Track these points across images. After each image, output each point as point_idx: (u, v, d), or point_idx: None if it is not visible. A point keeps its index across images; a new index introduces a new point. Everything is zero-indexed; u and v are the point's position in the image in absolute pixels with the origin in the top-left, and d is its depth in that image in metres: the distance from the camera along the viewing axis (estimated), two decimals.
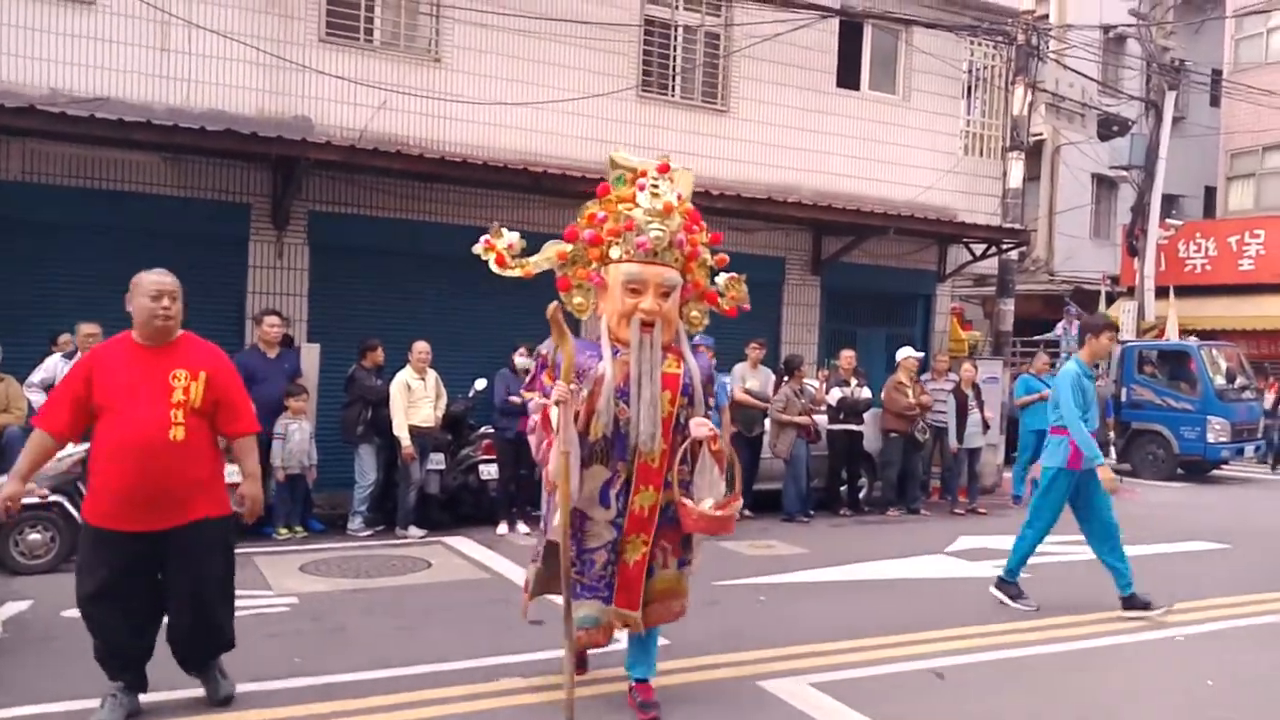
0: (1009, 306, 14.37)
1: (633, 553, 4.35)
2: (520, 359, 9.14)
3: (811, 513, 10.55)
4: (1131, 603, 6.64)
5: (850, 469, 11.19)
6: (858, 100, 13.51)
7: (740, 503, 4.35)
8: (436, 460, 9.12)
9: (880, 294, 14.16)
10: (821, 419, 10.78)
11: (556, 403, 4.02)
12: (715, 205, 11.50)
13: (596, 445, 4.20)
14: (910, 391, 11.13)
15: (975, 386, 11.74)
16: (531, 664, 5.32)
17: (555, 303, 4.16)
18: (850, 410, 10.84)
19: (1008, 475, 13.30)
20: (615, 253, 4.24)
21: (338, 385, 9.31)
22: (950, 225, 13.13)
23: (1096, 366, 7.11)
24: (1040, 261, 21.49)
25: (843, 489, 11.17)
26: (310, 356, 9.39)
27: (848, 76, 13.51)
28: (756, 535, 9.37)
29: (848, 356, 11.16)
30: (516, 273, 4.33)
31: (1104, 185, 22.70)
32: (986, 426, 11.80)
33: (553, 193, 10.72)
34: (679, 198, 4.33)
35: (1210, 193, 23.51)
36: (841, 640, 5.91)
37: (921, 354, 11.84)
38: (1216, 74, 22.22)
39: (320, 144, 9.49)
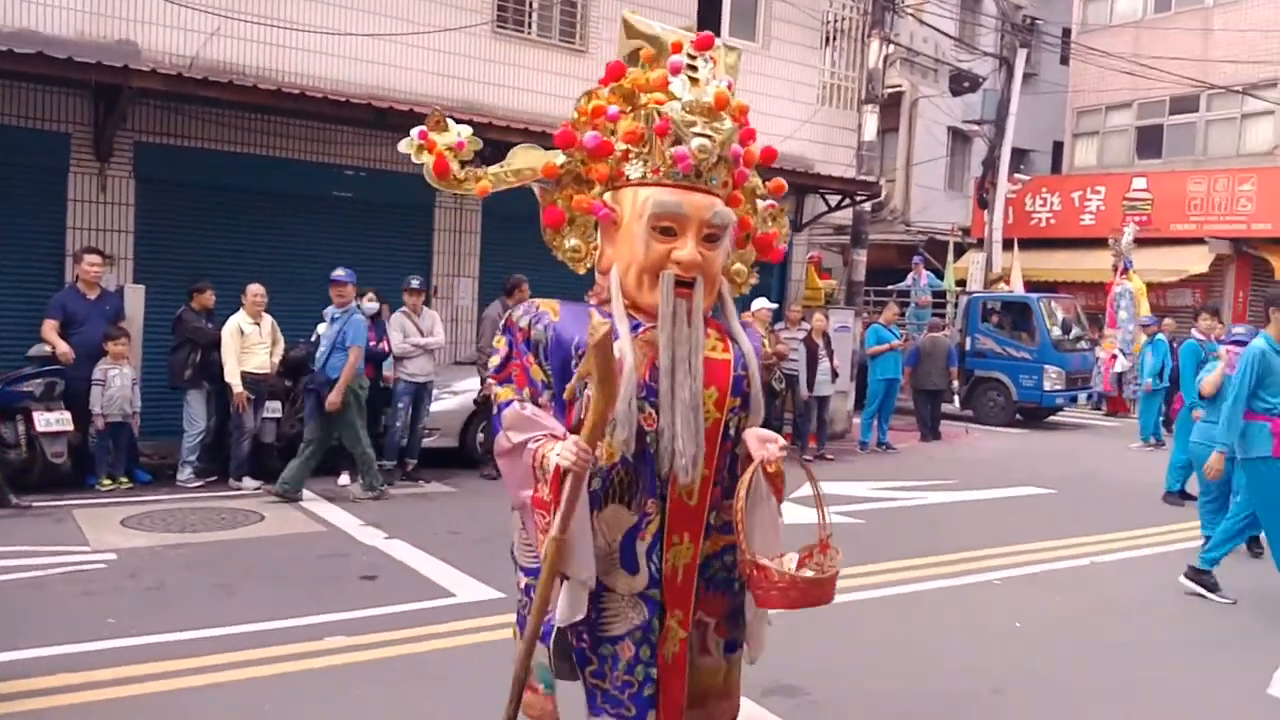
0: (861, 257, 14.67)
1: (671, 642, 2.58)
2: (368, 304, 8.78)
3: None
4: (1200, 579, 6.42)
5: None
6: (718, 46, 13.39)
7: (839, 554, 2.59)
8: (273, 408, 8.74)
9: None
10: None
11: (566, 471, 2.28)
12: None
13: (613, 474, 2.46)
14: (766, 342, 11.21)
15: (826, 336, 11.95)
16: (359, 622, 5.15)
17: (603, 320, 2.27)
18: None
19: (856, 421, 13.67)
20: (634, 170, 2.55)
21: (164, 328, 8.80)
22: (806, 176, 13.25)
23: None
24: (897, 212, 22.02)
25: None
26: (135, 298, 8.83)
27: (709, 23, 13.39)
28: None
29: None
30: (468, 188, 2.64)
31: (959, 139, 23.35)
32: (836, 375, 12.05)
33: (400, 129, 10.20)
34: (729, 87, 2.61)
35: (1058, 149, 24.46)
36: None
37: (775, 304, 11.96)
38: (1066, 34, 23.01)
39: (145, 71, 8.83)
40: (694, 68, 2.57)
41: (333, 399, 7.88)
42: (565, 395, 2.44)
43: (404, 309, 9.10)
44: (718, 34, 14.10)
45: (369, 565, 6.29)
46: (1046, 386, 15.38)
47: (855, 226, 14.66)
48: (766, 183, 2.83)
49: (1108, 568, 7.07)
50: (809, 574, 2.48)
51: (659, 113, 2.49)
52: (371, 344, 8.64)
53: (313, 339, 9.24)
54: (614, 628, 2.52)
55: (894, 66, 15.13)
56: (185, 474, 8.43)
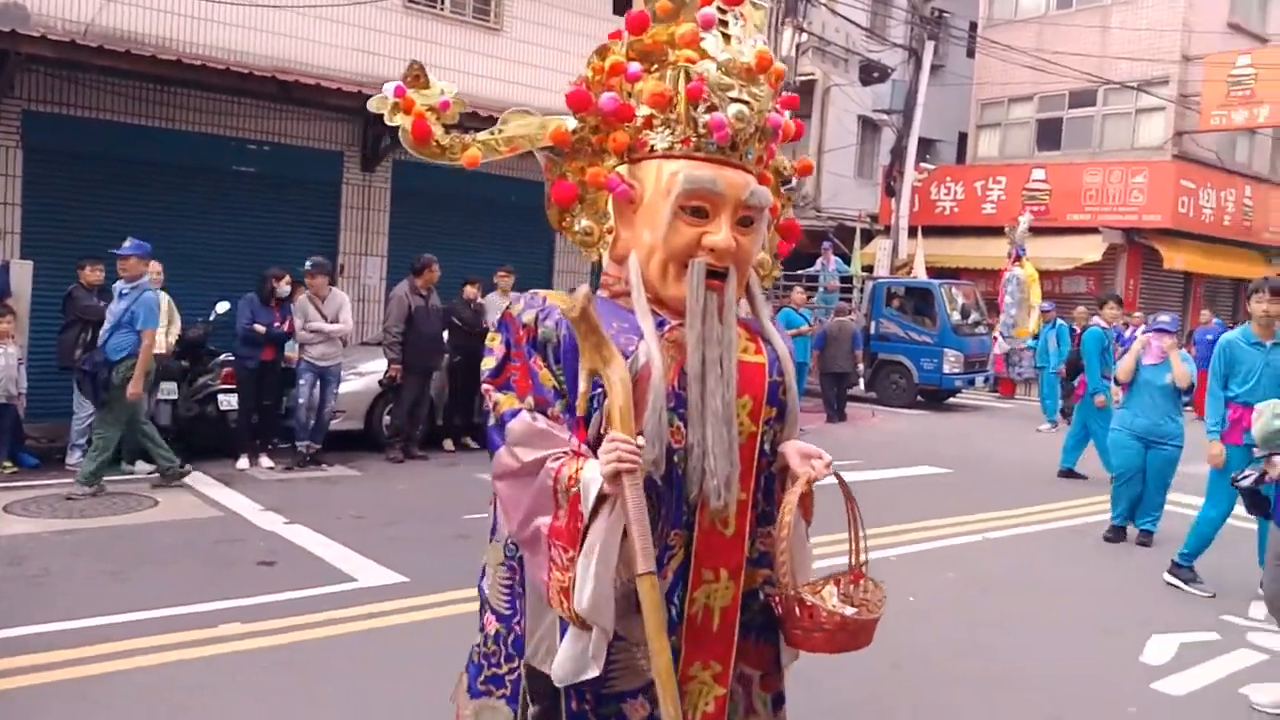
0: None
1: (702, 698, 2.15)
2: (283, 286, 8.54)
3: None
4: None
5: None
6: (747, 1, 13.35)
7: (880, 587, 2.28)
8: (168, 390, 8.48)
9: None
10: None
11: (613, 476, 1.89)
12: (484, 128, 11.18)
13: None
14: None
15: None
16: (256, 608, 5.05)
17: (584, 288, 1.97)
18: None
19: None
20: (659, 140, 2.14)
21: (55, 306, 8.45)
22: None
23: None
24: (809, 198, 22.31)
25: None
26: (21, 274, 8.46)
27: (625, 3, 13.34)
28: None
29: None
30: (454, 158, 2.22)
31: (868, 127, 23.73)
32: None
33: (306, 104, 10.08)
34: (758, 53, 2.19)
35: (963, 139, 25.04)
36: None
37: None
38: (973, 27, 23.54)
39: (34, 37, 8.44)
40: (725, 23, 2.18)
41: (133, 390, 7.18)
42: (579, 411, 2.01)
43: (307, 291, 8.87)
44: None
45: (267, 551, 6.16)
46: (946, 369, 15.81)
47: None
48: (792, 162, 2.46)
49: (1000, 544, 7.33)
50: (851, 612, 2.14)
51: (690, 73, 2.10)
52: (275, 324, 8.45)
53: (210, 318, 9.02)
54: (622, 682, 2.05)
55: (806, 55, 15.29)
56: (75, 458, 8.13)
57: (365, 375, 9.45)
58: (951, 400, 16.89)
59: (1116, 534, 7.43)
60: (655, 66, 2.16)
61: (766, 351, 2.19)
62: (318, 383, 8.72)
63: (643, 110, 2.14)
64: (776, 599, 2.17)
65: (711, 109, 2.08)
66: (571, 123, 2.20)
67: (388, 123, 2.21)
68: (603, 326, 1.95)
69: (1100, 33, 20.98)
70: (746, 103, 2.11)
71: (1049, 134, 22.24)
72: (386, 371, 9.19)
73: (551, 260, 13.22)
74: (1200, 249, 20.53)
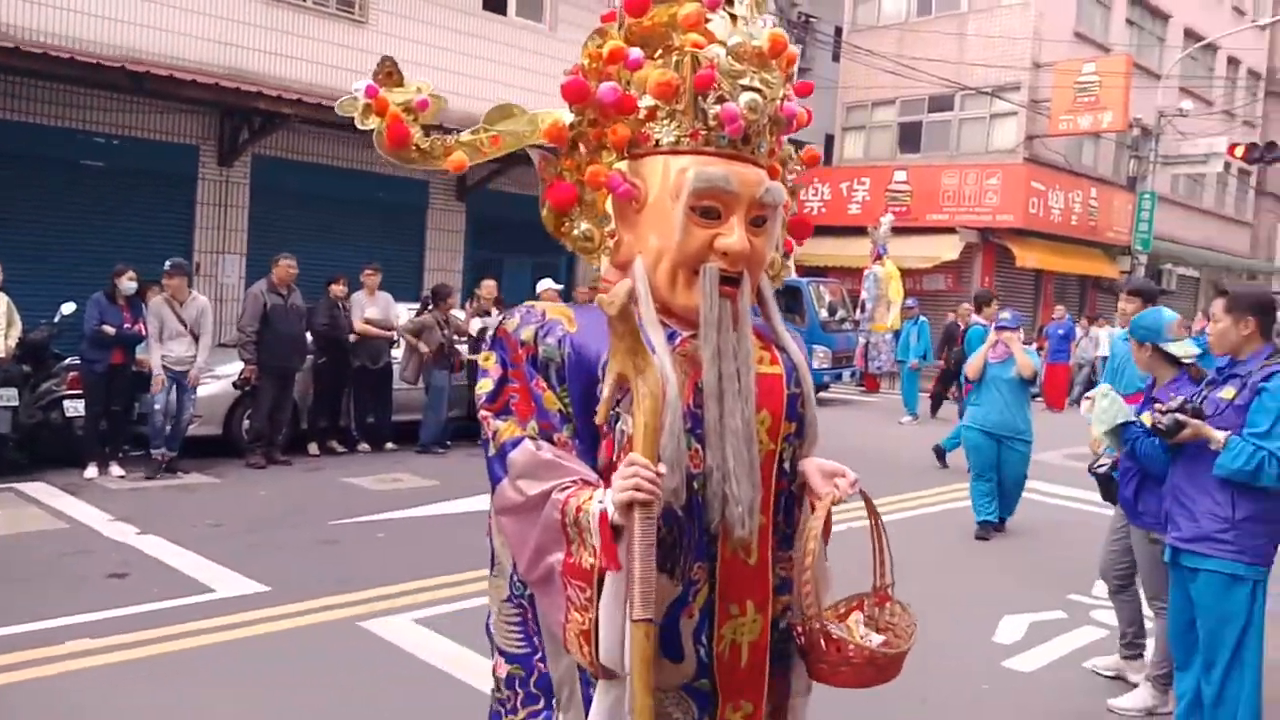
0: None
1: None
2: (127, 283, 8.12)
3: (449, 443, 10.46)
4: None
5: None
6: (504, 25, 13.29)
7: (908, 612, 2.15)
8: (8, 396, 7.98)
9: (526, 223, 13.96)
10: (462, 349, 10.67)
11: (628, 505, 1.67)
12: (349, 122, 10.91)
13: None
14: None
15: None
16: (106, 623, 4.82)
17: (626, 282, 1.78)
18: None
19: None
20: (665, 133, 1.93)
21: None
22: None
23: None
24: None
25: None
26: None
27: (494, 0, 13.24)
28: (386, 468, 9.14)
29: (489, 286, 11.08)
30: (436, 162, 1.98)
31: None
32: None
33: (160, 96, 9.66)
34: (772, 35, 1.99)
35: (830, 141, 25.75)
36: (455, 573, 5.88)
37: (561, 285, 12.01)
38: (839, 32, 24.20)
39: None
40: (730, 2, 1.99)
41: None
42: (598, 420, 1.81)
43: (164, 294, 8.41)
44: (503, 13, 13.91)
45: (118, 563, 5.87)
46: (815, 365, 16.21)
47: None
48: (799, 151, 2.23)
49: (864, 532, 7.52)
50: (876, 643, 2.00)
51: (699, 59, 1.88)
52: (125, 325, 8.06)
53: (55, 320, 8.55)
54: None
55: None
56: None
57: (223, 378, 9.07)
58: (820, 395, 17.29)
59: (985, 529, 7.55)
60: (659, 53, 1.95)
61: (783, 361, 2.01)
62: (174, 388, 8.33)
63: (645, 101, 1.92)
64: (800, 629, 1.98)
65: (722, 99, 1.88)
66: (567, 116, 1.97)
67: (359, 126, 1.97)
68: (645, 308, 1.78)
69: (957, 40, 21.86)
70: (759, 90, 1.92)
71: (910, 137, 23.06)
72: (241, 373, 8.85)
73: (422, 258, 13.01)
74: (1050, 247, 21.59)
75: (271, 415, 9.04)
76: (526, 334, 1.89)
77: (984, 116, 21.97)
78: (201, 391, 8.77)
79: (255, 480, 8.43)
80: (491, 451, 1.87)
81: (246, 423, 9.14)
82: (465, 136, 1.98)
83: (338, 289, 9.71)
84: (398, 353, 10.20)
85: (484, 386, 1.92)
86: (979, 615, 5.59)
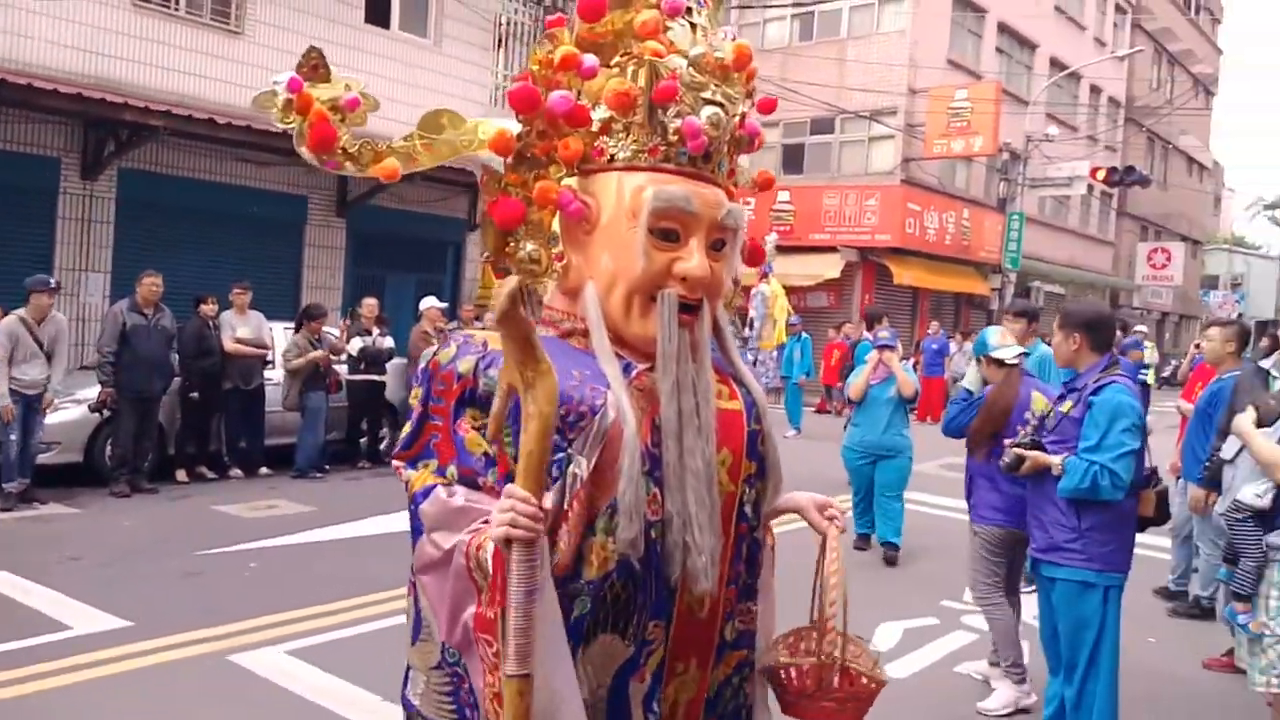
0: None
1: None
2: None
3: (327, 467, 10.18)
4: None
5: (371, 420, 10.97)
6: (387, 39, 13.08)
7: (863, 645, 2.03)
8: None
9: (410, 240, 13.96)
10: (341, 369, 10.43)
11: (506, 541, 1.49)
12: (222, 135, 10.60)
13: (606, 590, 1.66)
14: (435, 341, 11.07)
15: None
16: None
17: (515, 278, 1.54)
18: (372, 360, 10.57)
19: None
20: (620, 148, 1.79)
21: None
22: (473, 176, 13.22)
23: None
24: None
25: (363, 441, 10.92)
26: None
27: (377, 14, 13.03)
28: (260, 495, 8.83)
29: (369, 305, 10.86)
30: (364, 168, 1.82)
31: None
32: None
33: (17, 105, 9.18)
34: (737, 46, 1.87)
35: None
36: (330, 602, 5.71)
37: (445, 304, 11.85)
38: None
39: None
40: (689, 9, 1.85)
41: None
42: (490, 436, 1.63)
43: (18, 313, 7.92)
44: (386, 27, 13.70)
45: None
46: None
47: None
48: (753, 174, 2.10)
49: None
50: (885, 675, 1.96)
51: (658, 69, 1.74)
52: None
53: None
54: None
55: None
56: None
57: (83, 402, 8.58)
58: None
59: (864, 542, 7.68)
60: (614, 61, 1.79)
61: (741, 395, 1.87)
62: (26, 411, 7.83)
63: (599, 113, 1.77)
64: (802, 671, 1.88)
65: (682, 113, 1.75)
66: (514, 127, 1.78)
67: (278, 125, 1.79)
68: (534, 333, 1.52)
69: (838, 65, 22.48)
70: (721, 105, 1.78)
71: (793, 158, 23.57)
72: (98, 396, 8.42)
73: (300, 276, 12.64)
74: (926, 266, 22.34)
75: (135, 441, 8.64)
76: (465, 366, 1.70)
77: (863, 139, 22.63)
78: (61, 416, 8.35)
79: (119, 510, 8.04)
80: (410, 504, 1.69)
81: (109, 449, 8.71)
82: (397, 143, 1.82)
83: (207, 308, 9.37)
84: (271, 374, 9.88)
85: (405, 429, 1.76)
86: (856, 622, 5.62)
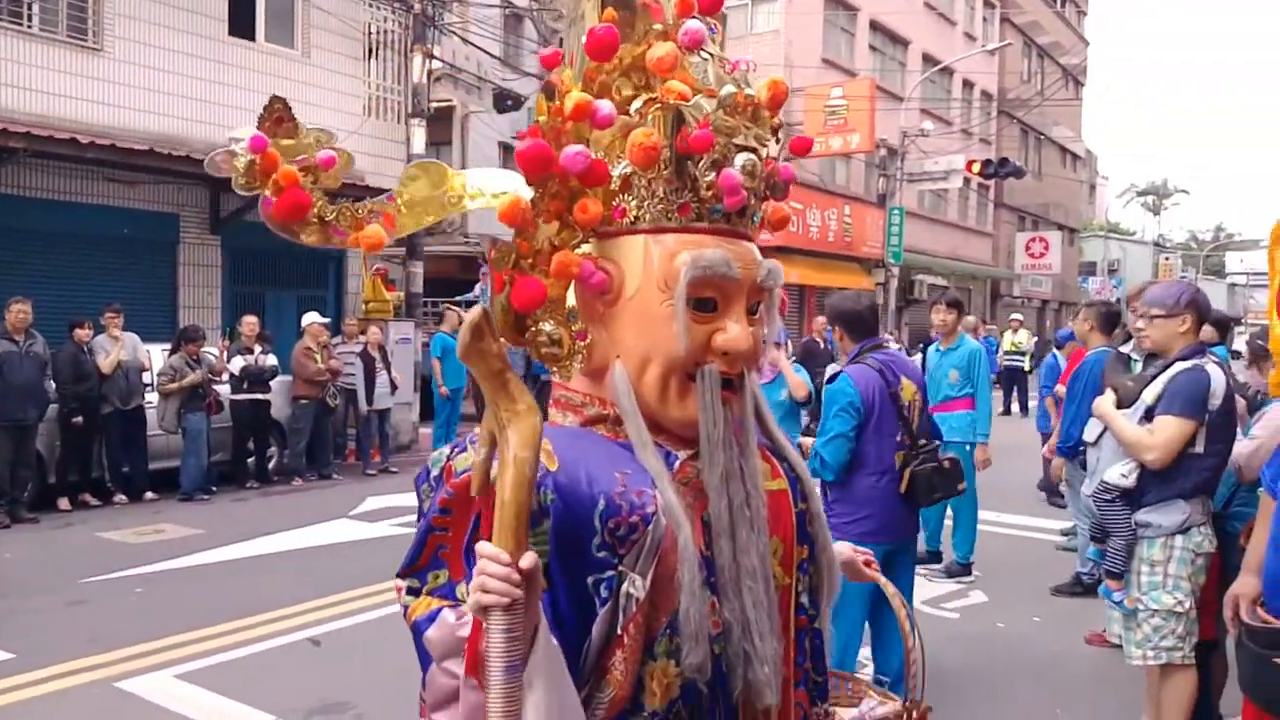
0: (418, 269, 14.86)
1: None
2: None
3: (214, 489, 10.01)
4: None
5: (258, 439, 10.81)
6: (253, 51, 12.85)
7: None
8: None
9: (289, 254, 13.71)
10: (224, 389, 10.25)
11: (482, 609, 1.22)
12: (87, 155, 10.31)
13: (672, 718, 1.42)
14: (319, 357, 11.00)
15: (382, 348, 11.97)
16: None
17: (475, 310, 1.30)
18: (255, 379, 10.42)
19: (425, 433, 13.78)
20: (645, 208, 1.52)
21: None
22: (357, 188, 13.10)
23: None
24: (455, 224, 22.45)
25: (250, 460, 10.75)
26: None
27: (241, 26, 12.80)
28: (147, 520, 8.65)
29: (249, 323, 10.69)
30: (342, 239, 1.59)
31: (509, 153, 24.28)
32: (395, 387, 12.08)
33: None
34: (772, 83, 1.60)
35: None
36: (219, 624, 5.67)
37: (327, 319, 11.74)
38: None
39: None
40: (709, 40, 1.56)
41: None
42: (473, 491, 1.37)
43: None
44: (252, 39, 13.42)
45: None
46: None
47: (410, 239, 14.74)
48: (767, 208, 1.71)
49: None
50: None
51: (684, 115, 1.48)
52: None
53: None
54: None
55: (440, 82, 15.43)
56: None
57: None
58: None
59: None
60: (636, 107, 1.51)
61: (784, 472, 1.66)
62: None
63: (620, 168, 1.50)
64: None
65: (717, 164, 1.50)
66: (527, 191, 1.48)
67: (240, 191, 1.55)
68: (509, 368, 1.31)
69: None
70: (754, 150, 1.54)
71: None
72: None
73: (175, 295, 12.34)
74: (810, 263, 22.92)
75: (12, 469, 8.39)
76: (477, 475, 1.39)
77: None
78: None
79: (11, 539, 7.79)
80: (411, 633, 1.45)
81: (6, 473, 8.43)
82: (377, 203, 1.59)
83: (82, 333, 9.12)
84: (152, 396, 9.67)
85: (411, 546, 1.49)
86: None
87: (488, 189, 1.61)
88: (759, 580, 1.46)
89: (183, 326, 10.40)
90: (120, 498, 9.43)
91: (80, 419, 8.97)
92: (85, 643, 5.34)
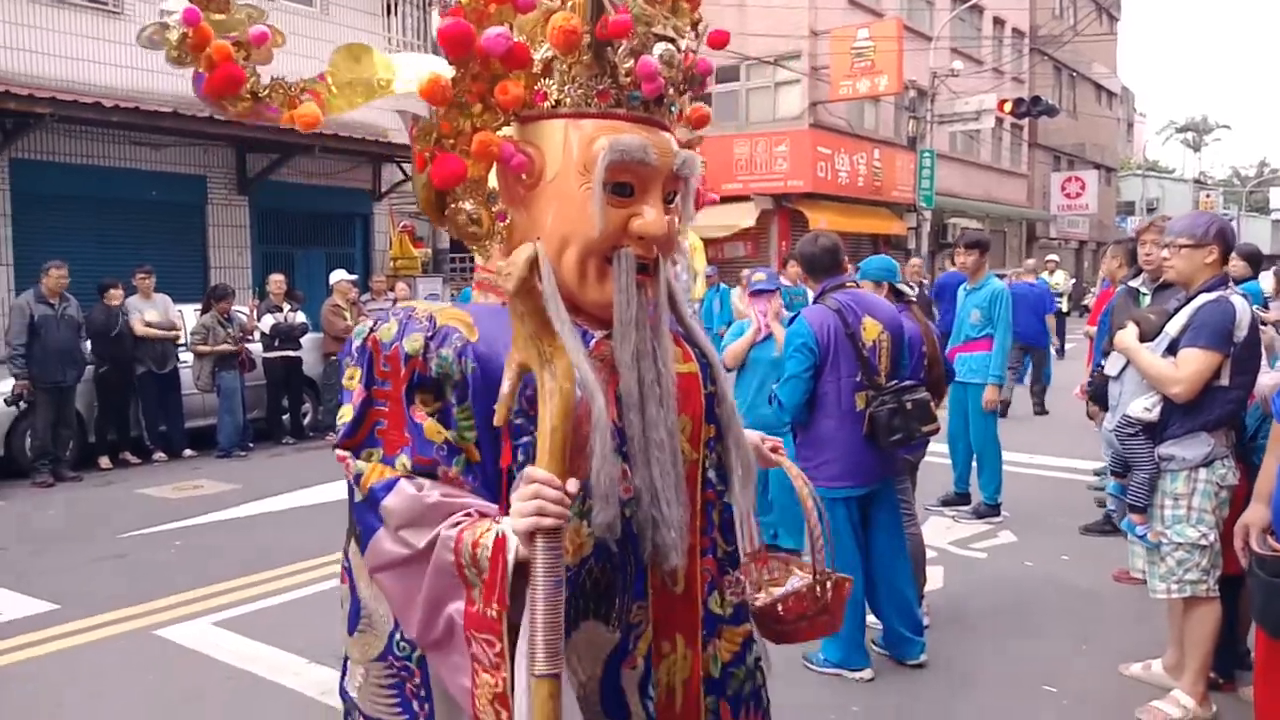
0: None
1: None
2: None
3: (251, 445, 10.17)
4: None
5: (291, 396, 10.95)
6: (271, 8, 12.57)
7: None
8: None
9: (316, 213, 13.83)
10: (256, 347, 10.38)
11: (531, 534, 1.35)
12: (112, 119, 10.39)
13: (584, 577, 1.56)
14: (348, 314, 11.08)
15: None
16: None
17: (530, 245, 1.41)
18: (285, 337, 10.54)
19: None
20: (566, 92, 1.59)
21: None
22: (379, 145, 13.12)
23: None
24: None
25: (285, 417, 10.91)
26: None
27: None
28: (186, 477, 8.82)
29: (277, 281, 10.79)
30: (275, 113, 1.57)
31: None
32: None
33: None
34: None
35: None
36: (254, 574, 5.80)
37: (354, 276, 11.81)
38: None
39: None
40: None
41: None
42: (498, 420, 1.45)
43: None
44: None
45: None
46: None
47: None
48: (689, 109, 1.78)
49: None
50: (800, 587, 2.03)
51: (614, 2, 1.54)
52: None
53: None
54: None
55: None
56: None
57: None
58: None
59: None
60: None
61: (695, 356, 1.75)
62: None
63: (541, 52, 1.56)
64: (799, 595, 1.99)
65: (635, 51, 1.56)
66: (448, 70, 1.53)
67: (172, 64, 1.50)
68: (554, 307, 1.42)
69: (738, 11, 22.50)
70: (673, 40, 1.61)
71: None
72: (14, 389, 8.35)
73: (206, 257, 12.47)
74: (840, 209, 22.66)
75: (54, 430, 8.59)
76: (412, 345, 1.49)
77: (769, 86, 22.78)
78: None
79: (43, 500, 7.99)
80: (358, 497, 1.51)
81: (30, 440, 8.63)
82: (309, 82, 1.59)
83: (114, 295, 9.26)
84: (186, 356, 9.82)
85: (344, 415, 1.54)
86: None
87: (414, 72, 1.61)
88: (666, 451, 1.56)
89: (211, 286, 10.51)
90: (159, 455, 9.62)
91: (115, 380, 9.14)
92: (126, 593, 5.49)
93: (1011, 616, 4.98)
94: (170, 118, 10.77)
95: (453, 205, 1.58)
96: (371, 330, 1.54)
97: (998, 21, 30.30)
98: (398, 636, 1.54)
